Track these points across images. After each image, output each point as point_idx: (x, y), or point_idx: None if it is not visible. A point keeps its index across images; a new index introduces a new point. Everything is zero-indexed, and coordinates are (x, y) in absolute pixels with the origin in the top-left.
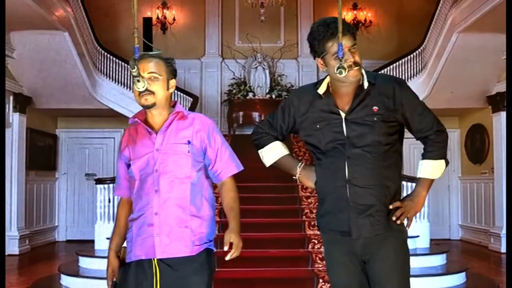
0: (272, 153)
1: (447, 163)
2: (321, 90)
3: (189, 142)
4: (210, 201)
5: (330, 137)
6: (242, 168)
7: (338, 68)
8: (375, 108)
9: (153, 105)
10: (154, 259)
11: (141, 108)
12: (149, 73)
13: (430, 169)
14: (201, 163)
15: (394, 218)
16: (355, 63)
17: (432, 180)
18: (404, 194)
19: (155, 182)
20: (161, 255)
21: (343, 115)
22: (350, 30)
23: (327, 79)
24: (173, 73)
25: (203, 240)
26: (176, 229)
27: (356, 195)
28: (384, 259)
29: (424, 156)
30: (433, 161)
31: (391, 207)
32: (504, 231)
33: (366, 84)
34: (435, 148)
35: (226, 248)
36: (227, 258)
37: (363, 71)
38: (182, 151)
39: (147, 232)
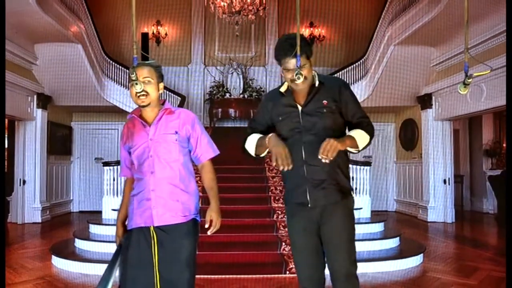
0: (250, 141)
1: (370, 141)
2: (283, 89)
3: (176, 132)
4: (194, 179)
5: (290, 126)
6: (218, 152)
7: (297, 74)
8: (325, 101)
9: (148, 105)
10: (151, 226)
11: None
12: (144, 77)
13: (359, 135)
14: (186, 149)
15: (320, 154)
16: (305, 78)
17: (355, 142)
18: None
19: (151, 165)
20: (158, 223)
21: (299, 108)
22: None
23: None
24: (161, 77)
25: (191, 211)
26: (169, 202)
27: (311, 172)
28: (336, 221)
29: (359, 128)
30: (364, 132)
31: (321, 148)
32: (430, 204)
33: (317, 83)
34: (368, 128)
35: (207, 226)
36: (209, 233)
37: (315, 73)
38: (171, 139)
39: (146, 205)
